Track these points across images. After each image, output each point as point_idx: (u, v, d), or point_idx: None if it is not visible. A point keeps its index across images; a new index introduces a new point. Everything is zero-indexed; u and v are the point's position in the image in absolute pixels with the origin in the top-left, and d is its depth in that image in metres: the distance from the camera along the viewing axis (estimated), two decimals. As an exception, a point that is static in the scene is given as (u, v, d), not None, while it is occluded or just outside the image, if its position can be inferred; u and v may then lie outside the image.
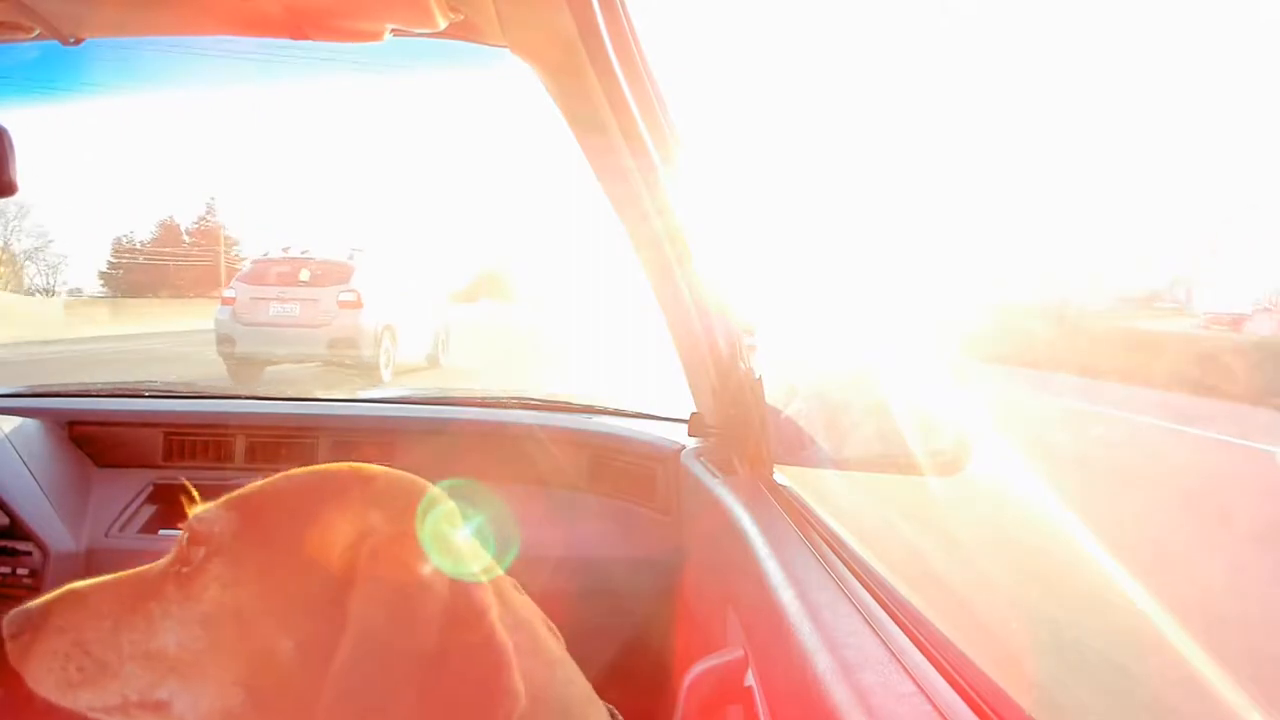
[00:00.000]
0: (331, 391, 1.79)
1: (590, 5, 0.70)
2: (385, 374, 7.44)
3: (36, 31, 0.79)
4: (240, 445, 1.50)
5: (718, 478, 1.12)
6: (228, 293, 7.63)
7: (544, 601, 0.62)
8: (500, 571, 0.60)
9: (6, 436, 1.38)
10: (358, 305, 7.22)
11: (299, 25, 0.76)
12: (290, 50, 0.83)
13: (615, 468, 1.42)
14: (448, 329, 9.32)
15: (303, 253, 7.90)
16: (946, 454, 1.00)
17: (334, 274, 7.42)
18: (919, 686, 0.54)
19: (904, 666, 0.57)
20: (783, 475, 1.12)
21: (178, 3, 0.78)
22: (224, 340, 7.25)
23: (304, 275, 7.39)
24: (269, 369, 7.46)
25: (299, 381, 7.53)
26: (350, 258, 7.72)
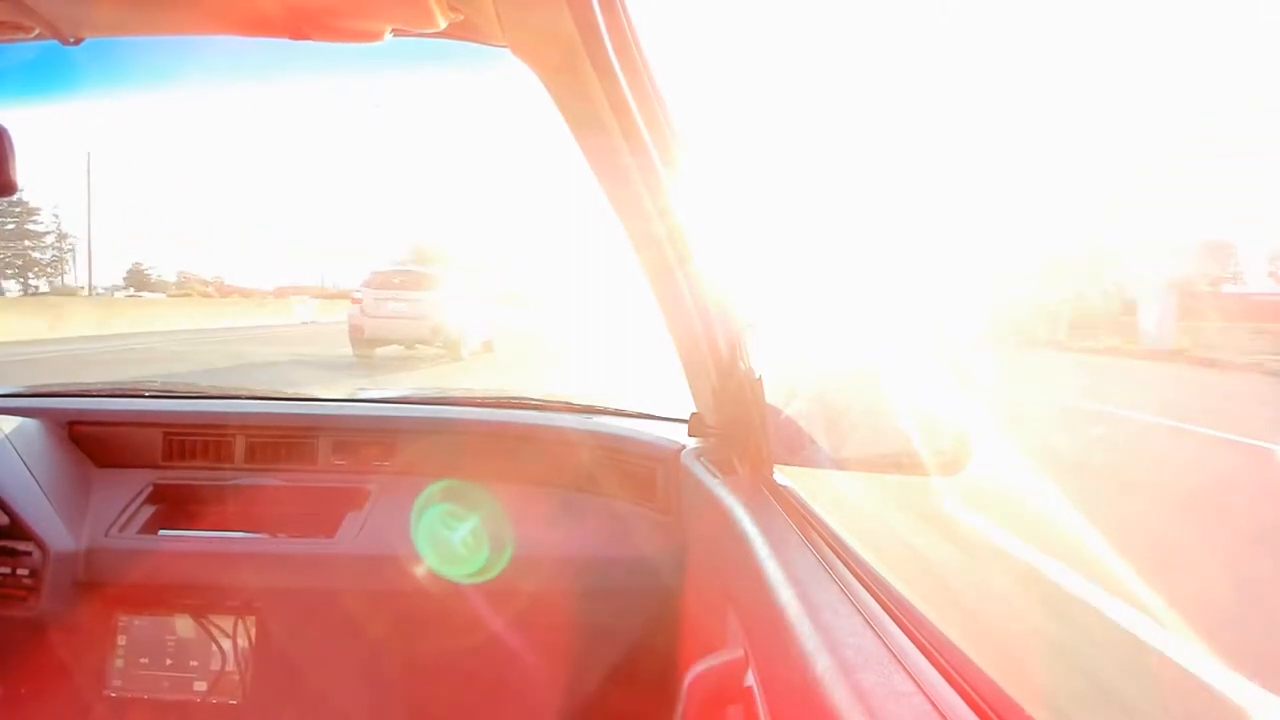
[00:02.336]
0: (331, 391, 1.79)
1: (590, 5, 0.70)
2: (465, 352, 10.23)
3: (36, 31, 0.79)
4: (240, 445, 1.49)
5: (718, 478, 1.12)
6: (356, 294, 10.46)
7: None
8: None
9: (6, 436, 1.38)
10: (448, 304, 10.15)
11: (299, 25, 0.76)
12: (290, 51, 0.83)
13: (615, 468, 1.42)
14: (496, 323, 12.20)
15: (400, 265, 11.55)
16: (947, 454, 1.00)
17: (431, 281, 10.44)
18: (919, 686, 0.54)
19: (904, 666, 0.57)
20: (783, 475, 1.12)
21: (178, 3, 0.78)
22: (355, 329, 10.03)
23: (397, 280, 10.35)
24: (380, 349, 10.12)
25: (406, 357, 10.19)
26: (440, 271, 11.00)
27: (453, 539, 1.36)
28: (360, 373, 8.92)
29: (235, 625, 1.38)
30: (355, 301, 10.39)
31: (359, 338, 9.99)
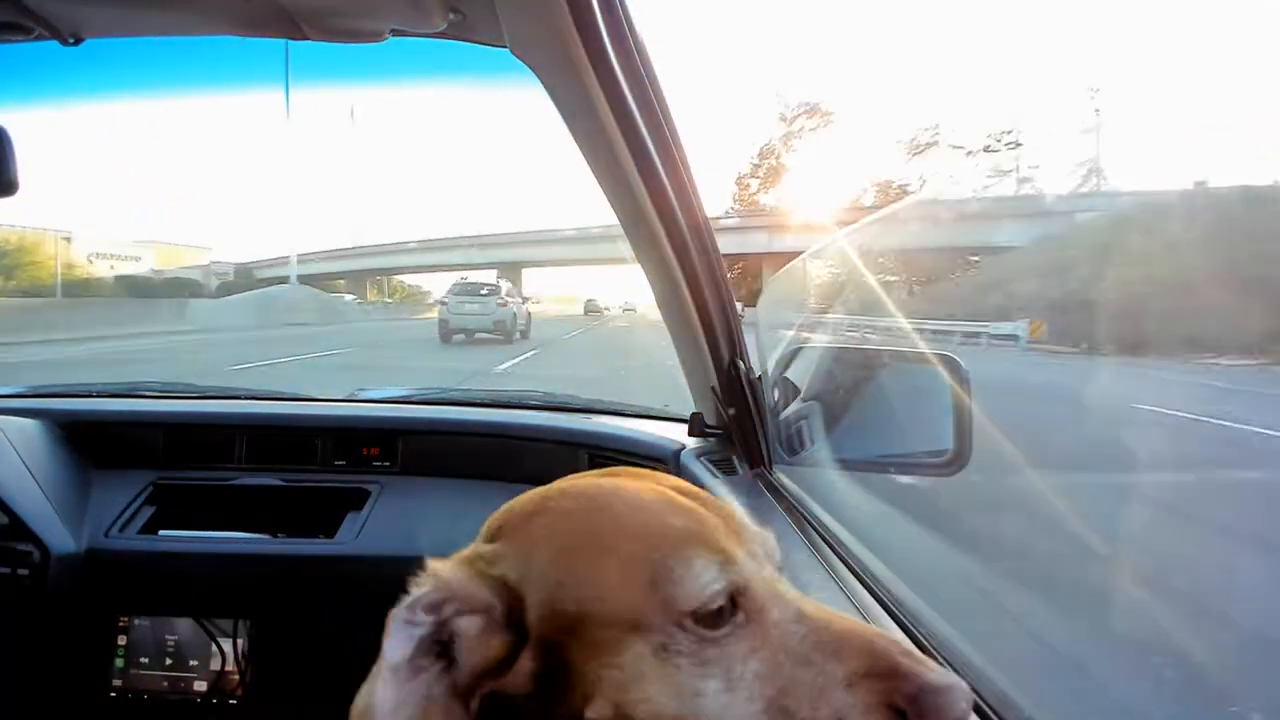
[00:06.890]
0: (331, 392, 1.79)
1: (590, 5, 0.70)
2: (516, 337, 14.75)
3: (36, 31, 0.79)
4: (240, 445, 1.49)
5: (718, 478, 1.12)
6: (444, 299, 15.43)
7: None
8: None
9: (6, 436, 1.38)
10: (506, 305, 14.84)
11: (299, 25, 0.76)
12: (289, 51, 0.83)
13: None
14: (530, 317, 17.17)
15: (464, 276, 16.15)
16: (946, 454, 1.00)
17: (491, 289, 15.25)
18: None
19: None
20: (783, 475, 1.12)
21: (178, 3, 0.78)
22: (443, 322, 14.72)
23: (470, 289, 15.28)
24: (456, 336, 14.42)
25: (476, 342, 13.93)
26: (499, 279, 16.92)
27: (454, 539, 1.36)
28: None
29: (235, 625, 1.38)
30: (442, 303, 15.44)
31: (445, 329, 14.61)
